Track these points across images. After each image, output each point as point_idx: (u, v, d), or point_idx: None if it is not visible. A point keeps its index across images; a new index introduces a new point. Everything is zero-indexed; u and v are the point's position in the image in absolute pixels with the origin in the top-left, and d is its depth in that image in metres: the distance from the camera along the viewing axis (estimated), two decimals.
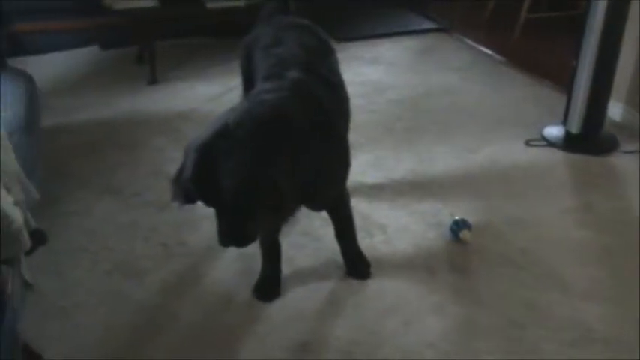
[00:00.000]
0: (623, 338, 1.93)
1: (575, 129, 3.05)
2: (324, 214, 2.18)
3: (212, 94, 3.62)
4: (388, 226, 2.46)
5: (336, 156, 1.88)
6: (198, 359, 1.88)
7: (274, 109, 1.69)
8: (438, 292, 2.12)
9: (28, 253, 1.63)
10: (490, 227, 2.45)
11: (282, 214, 1.75)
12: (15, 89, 2.42)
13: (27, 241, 1.56)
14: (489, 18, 4.74)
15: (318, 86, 1.90)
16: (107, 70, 3.98)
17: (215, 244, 1.69)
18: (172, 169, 1.75)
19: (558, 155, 2.99)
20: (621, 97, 3.20)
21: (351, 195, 2.16)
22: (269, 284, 2.13)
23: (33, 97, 2.48)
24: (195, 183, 1.60)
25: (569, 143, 3.04)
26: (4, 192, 1.53)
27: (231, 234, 1.64)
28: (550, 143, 3.06)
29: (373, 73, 3.92)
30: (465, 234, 2.34)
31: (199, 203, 1.66)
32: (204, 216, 2.20)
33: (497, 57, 4.13)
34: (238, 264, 2.25)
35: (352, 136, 2.07)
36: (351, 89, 2.13)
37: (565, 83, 3.19)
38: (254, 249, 1.99)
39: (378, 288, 2.15)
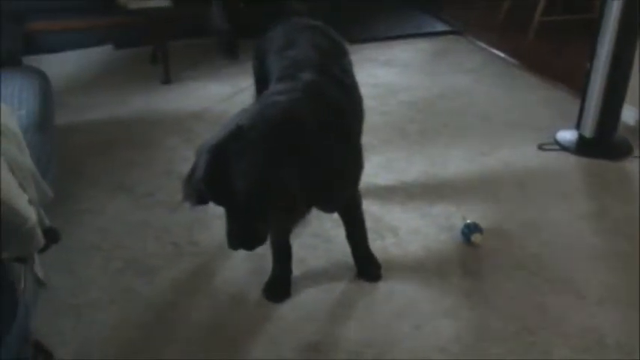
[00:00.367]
0: (636, 345, 1.91)
1: (588, 133, 3.03)
2: (336, 215, 2.18)
3: (225, 95, 3.63)
4: (399, 229, 2.45)
5: (349, 158, 1.88)
6: (208, 358, 1.89)
7: (287, 111, 1.69)
8: (449, 296, 2.11)
9: (42, 251, 1.63)
10: (502, 231, 2.43)
11: (294, 215, 1.75)
12: (29, 87, 2.44)
13: (40, 239, 1.57)
14: (503, 21, 4.72)
15: (332, 88, 1.89)
16: (121, 70, 4.00)
17: (226, 243, 1.69)
18: (185, 168, 1.76)
19: (571, 159, 2.97)
20: (635, 101, 3.17)
21: (363, 197, 2.15)
22: (279, 285, 2.13)
23: (47, 95, 2.50)
24: (208, 184, 1.60)
25: (583, 147, 3.02)
26: (19, 190, 1.54)
27: (242, 235, 1.64)
28: (563, 147, 3.04)
29: (386, 75, 3.91)
30: (476, 237, 2.33)
31: (211, 203, 1.66)
32: (215, 215, 2.21)
33: (511, 60, 4.11)
34: (249, 263, 2.25)
35: (365, 138, 2.06)
36: (364, 91, 2.13)
37: (579, 87, 3.17)
38: (265, 249, 1.99)
39: (389, 290, 2.14)
